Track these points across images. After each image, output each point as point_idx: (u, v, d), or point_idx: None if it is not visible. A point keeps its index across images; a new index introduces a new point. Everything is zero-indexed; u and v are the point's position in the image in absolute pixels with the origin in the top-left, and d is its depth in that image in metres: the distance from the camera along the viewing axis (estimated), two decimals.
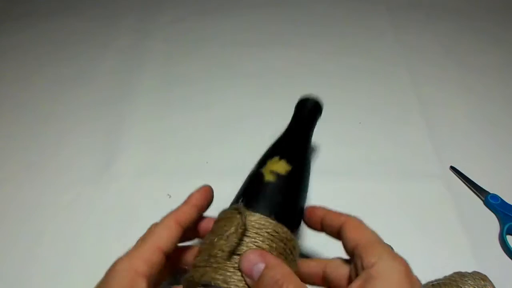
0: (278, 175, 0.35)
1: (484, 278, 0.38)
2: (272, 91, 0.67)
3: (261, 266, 0.27)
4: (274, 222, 0.32)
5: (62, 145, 0.60)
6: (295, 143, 0.41)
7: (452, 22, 0.78)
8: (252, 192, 0.35)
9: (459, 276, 0.39)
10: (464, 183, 0.53)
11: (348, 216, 0.31)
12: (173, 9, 0.84)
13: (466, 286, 0.37)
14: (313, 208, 0.35)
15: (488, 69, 0.69)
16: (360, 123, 0.61)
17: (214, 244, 0.31)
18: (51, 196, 0.53)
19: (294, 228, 0.34)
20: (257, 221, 0.31)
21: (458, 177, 0.54)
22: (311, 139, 0.45)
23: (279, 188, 0.35)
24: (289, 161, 0.37)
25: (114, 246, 0.48)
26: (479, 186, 0.52)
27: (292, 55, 0.72)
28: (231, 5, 0.84)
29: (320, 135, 0.59)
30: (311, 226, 0.35)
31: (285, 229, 0.32)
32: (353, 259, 0.28)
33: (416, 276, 0.27)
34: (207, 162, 0.56)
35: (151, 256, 0.29)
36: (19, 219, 0.51)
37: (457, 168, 0.54)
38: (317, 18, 0.80)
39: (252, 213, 0.32)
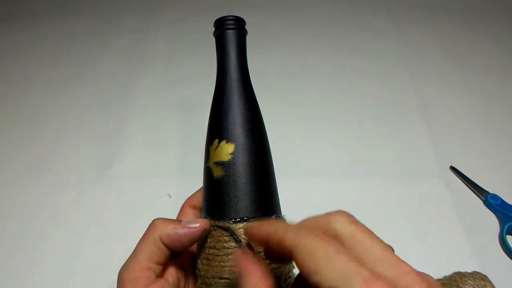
0: (223, 165, 0.31)
1: (484, 278, 0.38)
2: (272, 91, 0.67)
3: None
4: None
5: (63, 146, 0.60)
6: (227, 110, 0.32)
7: (452, 22, 0.78)
8: (212, 197, 0.31)
9: (459, 276, 0.38)
10: (464, 183, 0.53)
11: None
12: (173, 9, 0.84)
13: (466, 286, 0.37)
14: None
15: (488, 70, 0.69)
16: (360, 123, 0.61)
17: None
18: (51, 196, 0.53)
19: (274, 209, 0.31)
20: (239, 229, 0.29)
21: (458, 177, 0.54)
22: (247, 88, 0.34)
23: (230, 182, 0.30)
24: (229, 140, 0.31)
25: (114, 246, 0.48)
26: (479, 186, 0.52)
27: (292, 56, 0.72)
28: (231, 6, 0.84)
29: (320, 135, 0.60)
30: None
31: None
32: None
33: None
34: None
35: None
36: (20, 219, 0.51)
37: (457, 168, 0.54)
38: (317, 19, 0.80)
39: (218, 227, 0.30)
